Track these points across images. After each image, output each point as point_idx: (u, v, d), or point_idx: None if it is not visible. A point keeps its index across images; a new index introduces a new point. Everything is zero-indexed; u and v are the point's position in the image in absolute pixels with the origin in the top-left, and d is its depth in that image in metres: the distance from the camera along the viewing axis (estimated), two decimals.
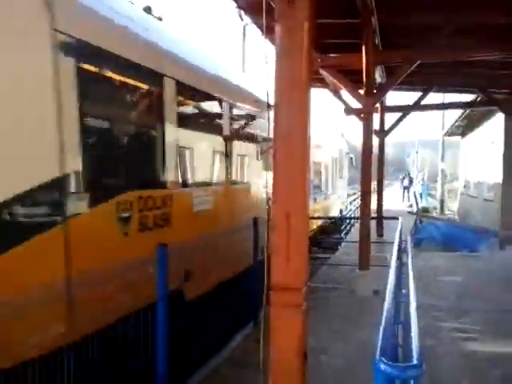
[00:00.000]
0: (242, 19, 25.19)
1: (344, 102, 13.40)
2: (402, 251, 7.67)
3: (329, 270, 10.52)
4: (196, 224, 5.40)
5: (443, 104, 14.94)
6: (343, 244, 14.93)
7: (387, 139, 14.70)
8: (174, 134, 4.98)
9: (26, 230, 3.09)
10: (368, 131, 8.04)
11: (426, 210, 23.24)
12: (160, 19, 5.63)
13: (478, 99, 13.39)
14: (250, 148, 7.59)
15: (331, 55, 8.43)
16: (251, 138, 7.61)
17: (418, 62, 8.07)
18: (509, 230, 13.37)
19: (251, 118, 7.39)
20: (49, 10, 3.21)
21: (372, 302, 7.60)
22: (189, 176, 5.63)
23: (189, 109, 5.86)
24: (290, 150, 2.59)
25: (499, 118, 13.85)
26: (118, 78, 4.18)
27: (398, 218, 9.23)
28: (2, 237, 2.95)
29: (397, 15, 7.43)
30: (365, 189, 8.19)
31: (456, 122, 18.44)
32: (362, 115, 8.12)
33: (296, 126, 2.59)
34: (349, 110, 13.48)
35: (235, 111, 6.73)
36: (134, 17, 4.69)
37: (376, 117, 13.96)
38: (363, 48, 7.67)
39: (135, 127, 4.72)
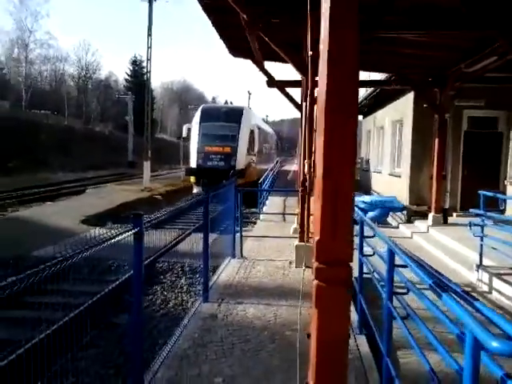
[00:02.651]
0: None
1: (267, 74, 13.27)
2: None
3: (259, 243, 10.49)
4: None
5: (362, 81, 15.37)
6: (262, 216, 15.07)
7: (283, 115, 14.99)
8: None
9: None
10: (312, 106, 7.92)
11: None
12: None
13: (392, 78, 13.95)
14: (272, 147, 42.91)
15: (273, 20, 8.09)
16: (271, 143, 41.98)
17: None
18: (415, 204, 14.31)
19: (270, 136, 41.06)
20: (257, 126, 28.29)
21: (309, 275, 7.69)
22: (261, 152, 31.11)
23: (259, 137, 28.27)
24: (339, 120, 2.35)
25: (409, 98, 14.59)
26: (263, 135, 32.08)
27: None
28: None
29: None
30: (305, 163, 8.13)
31: (364, 100, 19.18)
32: (306, 89, 7.95)
33: (346, 89, 2.35)
34: (271, 83, 13.43)
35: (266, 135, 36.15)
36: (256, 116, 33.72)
37: (297, 91, 14.04)
38: (308, 16, 7.48)
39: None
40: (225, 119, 23.92)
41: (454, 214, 13.86)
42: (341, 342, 2.44)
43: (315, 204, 2.44)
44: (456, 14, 8.24)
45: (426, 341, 3.36)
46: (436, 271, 3.00)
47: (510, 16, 7.67)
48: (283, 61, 12.84)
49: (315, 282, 2.41)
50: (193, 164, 23.06)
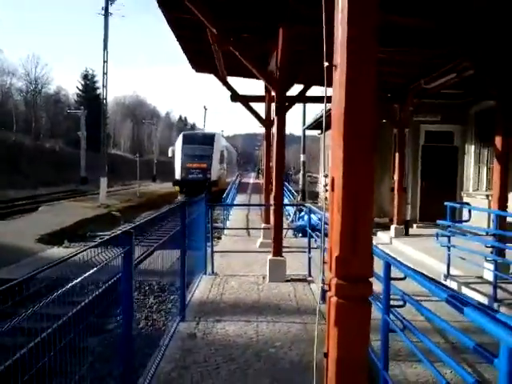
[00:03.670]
0: None
1: (230, 89, 13.24)
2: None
3: (227, 258, 10.33)
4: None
5: (320, 97, 15.57)
6: (226, 231, 14.91)
7: (237, 130, 15.04)
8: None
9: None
10: (281, 121, 7.93)
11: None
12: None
13: None
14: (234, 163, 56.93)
15: (244, 35, 8.08)
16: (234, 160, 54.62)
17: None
18: (377, 216, 14.59)
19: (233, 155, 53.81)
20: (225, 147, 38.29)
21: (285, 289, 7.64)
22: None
23: (226, 155, 37.52)
24: (357, 133, 2.31)
25: None
26: (229, 154, 41.75)
27: (302, 205, 9.36)
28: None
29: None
30: (277, 178, 8.12)
31: (323, 115, 19.47)
32: (276, 103, 7.94)
33: (364, 101, 2.32)
34: (235, 97, 13.41)
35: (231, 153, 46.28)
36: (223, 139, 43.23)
37: (261, 106, 14.09)
38: (280, 33, 7.52)
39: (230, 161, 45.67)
40: (201, 142, 31.73)
41: (414, 226, 14.23)
42: (361, 360, 2.37)
43: (332, 218, 2.38)
44: (420, 31, 8.51)
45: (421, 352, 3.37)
46: (439, 283, 3.00)
47: (472, 34, 7.98)
48: (248, 75, 12.90)
49: (334, 298, 2.33)
50: (177, 177, 30.33)
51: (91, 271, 2.84)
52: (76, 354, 3.27)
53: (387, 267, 3.63)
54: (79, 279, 2.72)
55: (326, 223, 7.44)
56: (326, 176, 2.46)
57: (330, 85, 2.97)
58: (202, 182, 27.82)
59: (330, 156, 2.48)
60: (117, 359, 3.72)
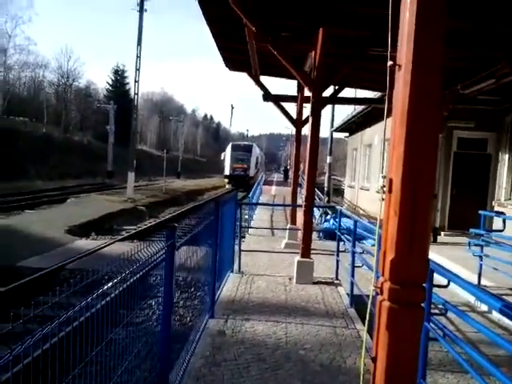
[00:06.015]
0: None
1: (263, 88, 13.23)
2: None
3: (252, 257, 10.31)
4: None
5: (354, 99, 15.44)
6: (250, 230, 14.91)
7: (261, 130, 15.01)
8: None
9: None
10: (317, 122, 7.87)
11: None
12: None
13: (385, 97, 14.07)
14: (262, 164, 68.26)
15: (283, 34, 8.07)
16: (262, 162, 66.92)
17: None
18: None
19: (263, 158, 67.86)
20: (259, 154, 58.27)
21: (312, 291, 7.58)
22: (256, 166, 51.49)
23: (260, 160, 55.74)
24: (420, 133, 2.26)
25: None
26: (261, 158, 61.41)
27: (332, 207, 9.29)
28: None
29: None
30: (309, 179, 8.06)
31: (354, 118, 19.31)
32: (312, 104, 7.87)
33: (428, 100, 2.27)
34: (267, 97, 13.39)
35: (262, 158, 63.06)
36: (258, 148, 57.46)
37: (291, 106, 14.07)
38: (320, 34, 7.46)
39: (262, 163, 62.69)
40: (243, 150, 47.11)
41: (443, 233, 13.98)
42: (411, 365, 2.32)
43: (388, 221, 2.33)
44: (458, 35, 8.33)
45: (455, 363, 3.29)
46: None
47: None
48: (280, 75, 12.89)
49: (386, 303, 2.28)
50: (227, 173, 46.14)
51: (139, 264, 2.85)
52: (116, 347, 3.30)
53: (430, 273, 3.55)
54: (128, 272, 2.73)
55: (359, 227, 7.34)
56: (383, 177, 2.41)
57: (382, 86, 2.93)
58: (243, 177, 43.41)
59: (388, 158, 2.43)
60: (151, 353, 3.73)
